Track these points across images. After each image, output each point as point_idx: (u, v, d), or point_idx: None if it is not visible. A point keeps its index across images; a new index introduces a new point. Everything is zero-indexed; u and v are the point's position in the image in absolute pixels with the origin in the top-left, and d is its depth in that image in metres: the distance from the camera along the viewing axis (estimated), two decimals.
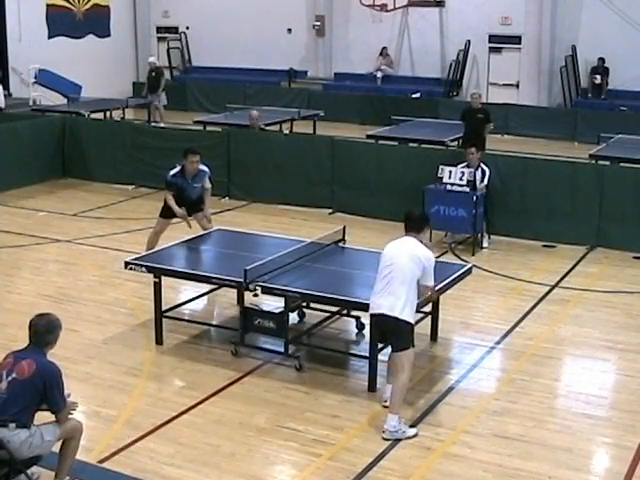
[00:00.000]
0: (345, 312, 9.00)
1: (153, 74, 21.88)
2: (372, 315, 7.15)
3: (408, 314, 6.92)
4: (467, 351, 8.67)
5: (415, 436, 6.88)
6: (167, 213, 10.58)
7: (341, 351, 8.62)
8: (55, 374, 5.72)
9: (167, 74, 23.41)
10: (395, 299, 6.88)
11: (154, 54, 26.34)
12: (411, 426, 6.99)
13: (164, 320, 8.75)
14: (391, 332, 7.04)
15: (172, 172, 10.49)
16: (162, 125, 20.08)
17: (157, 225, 10.72)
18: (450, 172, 11.93)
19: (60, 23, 24.36)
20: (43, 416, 5.84)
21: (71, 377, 7.65)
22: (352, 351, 8.71)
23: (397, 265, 6.94)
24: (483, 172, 12.12)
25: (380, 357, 7.81)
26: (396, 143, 15.67)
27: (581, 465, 6.59)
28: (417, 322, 8.62)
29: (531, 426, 7.12)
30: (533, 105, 22.52)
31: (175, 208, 10.37)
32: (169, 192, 10.45)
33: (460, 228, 12.12)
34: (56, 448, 5.90)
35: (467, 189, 11.80)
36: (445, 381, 7.98)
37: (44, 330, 5.79)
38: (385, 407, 7.19)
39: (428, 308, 8.57)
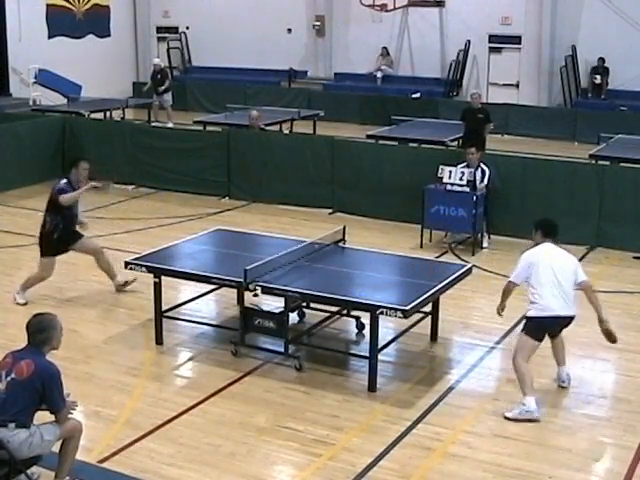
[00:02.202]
0: (345, 312, 9.00)
1: (159, 76, 21.97)
2: (558, 317, 7.59)
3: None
4: (467, 351, 8.68)
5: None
6: (55, 249, 9.77)
7: (341, 351, 8.62)
8: (54, 374, 5.72)
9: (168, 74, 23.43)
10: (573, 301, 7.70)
11: (155, 55, 26.41)
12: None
13: (164, 320, 8.75)
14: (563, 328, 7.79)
15: (62, 182, 9.77)
16: (170, 125, 20.12)
17: (46, 269, 9.76)
18: (450, 172, 11.94)
19: (60, 23, 24.37)
20: (43, 416, 5.84)
21: (71, 377, 7.66)
22: (352, 351, 8.71)
23: (561, 270, 7.62)
24: (483, 172, 12.12)
25: (380, 357, 7.82)
26: (396, 143, 15.68)
27: (581, 465, 6.60)
28: (417, 322, 8.71)
29: (531, 426, 7.12)
30: (533, 105, 22.53)
31: (81, 191, 9.68)
32: (64, 195, 9.59)
33: (460, 228, 12.13)
34: (56, 448, 5.90)
35: (467, 189, 11.81)
36: (445, 381, 7.98)
37: (35, 329, 5.79)
38: (562, 387, 7.87)
39: (428, 308, 8.58)
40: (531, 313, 7.60)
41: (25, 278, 9.94)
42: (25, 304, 9.62)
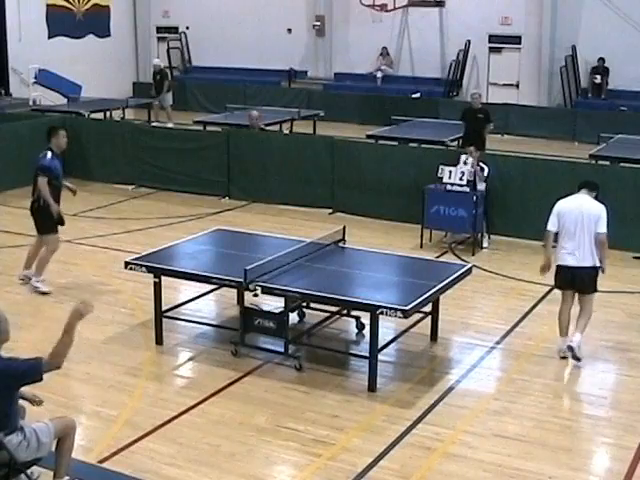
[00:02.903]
0: (345, 312, 9.00)
1: (158, 77, 22.01)
2: (569, 267, 8.23)
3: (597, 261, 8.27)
4: (467, 351, 8.68)
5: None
6: (55, 225, 10.12)
7: (341, 351, 8.62)
8: (10, 366, 5.42)
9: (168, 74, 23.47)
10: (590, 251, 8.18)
11: (155, 55, 26.44)
12: None
13: (164, 320, 8.75)
14: (587, 279, 8.26)
15: (48, 156, 9.93)
16: (170, 125, 20.17)
17: (53, 244, 10.17)
18: (450, 172, 11.94)
19: (60, 23, 24.37)
20: (41, 415, 5.82)
21: (71, 377, 7.69)
22: (352, 351, 8.71)
23: (583, 217, 8.20)
24: (482, 169, 12.15)
25: (380, 357, 7.82)
26: (396, 143, 15.68)
27: (581, 465, 6.60)
28: (417, 322, 8.71)
29: (531, 426, 7.12)
30: (533, 105, 22.54)
31: (51, 201, 9.85)
32: (44, 177, 9.82)
33: (460, 228, 12.13)
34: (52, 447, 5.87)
35: (467, 189, 11.81)
36: (445, 381, 7.98)
37: None
38: (563, 358, 8.35)
39: (428, 308, 8.58)
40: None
41: (36, 264, 10.18)
42: (49, 292, 9.89)
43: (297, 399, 7.56)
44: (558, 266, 8.40)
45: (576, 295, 8.45)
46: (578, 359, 8.25)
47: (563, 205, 8.45)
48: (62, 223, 10.15)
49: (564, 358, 8.33)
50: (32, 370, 5.41)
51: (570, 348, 8.23)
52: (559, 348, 8.44)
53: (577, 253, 8.20)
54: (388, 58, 25.00)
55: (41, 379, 5.44)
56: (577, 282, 8.32)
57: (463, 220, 11.85)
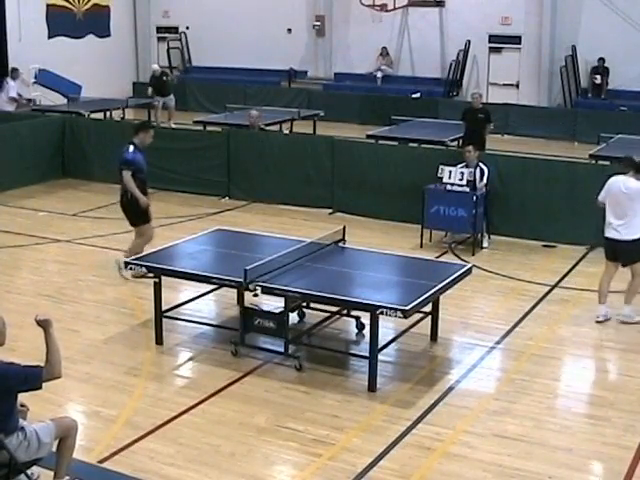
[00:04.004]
0: (345, 312, 9.00)
1: (165, 78, 22.05)
2: (612, 239, 9.14)
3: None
4: (467, 351, 8.68)
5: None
6: (147, 214, 10.44)
7: (341, 351, 8.61)
8: (8, 373, 5.39)
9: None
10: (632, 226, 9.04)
11: (155, 55, 26.46)
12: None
13: (164, 320, 8.75)
14: (630, 251, 9.11)
15: (130, 150, 10.38)
16: (172, 125, 20.19)
17: (148, 234, 10.56)
18: (450, 172, 11.94)
19: (60, 23, 24.36)
20: (40, 415, 5.82)
21: (71, 377, 7.68)
22: (352, 351, 8.71)
23: (625, 198, 9.01)
24: (482, 171, 12.14)
25: (380, 357, 7.83)
26: (396, 143, 15.68)
27: (581, 465, 6.59)
28: (417, 322, 8.71)
29: (531, 426, 7.12)
30: (533, 105, 22.53)
31: (139, 194, 10.21)
32: (128, 171, 10.20)
33: (460, 228, 12.13)
34: (53, 447, 5.87)
35: (467, 189, 11.81)
36: (445, 381, 7.98)
37: None
38: (598, 322, 9.23)
39: (428, 308, 8.58)
40: None
41: (129, 249, 10.32)
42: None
43: (297, 399, 7.57)
44: (604, 237, 9.25)
45: (619, 267, 9.33)
46: (626, 323, 9.22)
47: (612, 181, 9.26)
48: (149, 217, 10.48)
49: (600, 322, 9.25)
50: (32, 377, 5.40)
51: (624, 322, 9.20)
52: (597, 314, 9.32)
53: (619, 228, 9.03)
54: (388, 58, 25.00)
55: (40, 387, 5.42)
56: (619, 255, 9.15)
57: (463, 220, 11.85)
